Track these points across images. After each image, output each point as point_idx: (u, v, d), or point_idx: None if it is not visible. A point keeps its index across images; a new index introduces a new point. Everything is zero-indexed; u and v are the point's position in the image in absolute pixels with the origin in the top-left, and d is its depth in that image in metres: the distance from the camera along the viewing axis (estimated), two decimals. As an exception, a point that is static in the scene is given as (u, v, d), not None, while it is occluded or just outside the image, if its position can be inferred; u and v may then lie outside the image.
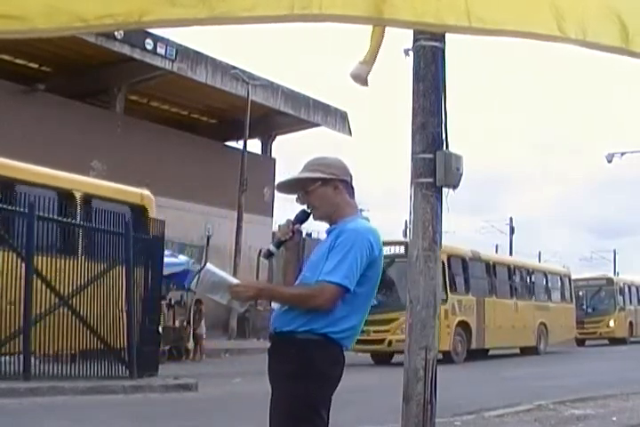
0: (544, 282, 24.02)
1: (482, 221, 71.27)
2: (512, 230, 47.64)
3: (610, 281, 30.74)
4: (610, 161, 26.96)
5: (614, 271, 51.63)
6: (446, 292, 17.41)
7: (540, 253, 51.76)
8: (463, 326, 18.64)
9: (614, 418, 7.87)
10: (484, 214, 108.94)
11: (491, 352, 20.99)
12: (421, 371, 2.98)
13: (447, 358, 17.37)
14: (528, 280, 23.11)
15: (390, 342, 17.19)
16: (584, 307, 28.78)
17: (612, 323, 29.22)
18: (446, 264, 17.69)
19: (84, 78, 24.51)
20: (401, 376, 3.07)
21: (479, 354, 19.89)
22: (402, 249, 15.64)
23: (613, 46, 2.35)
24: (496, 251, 43.68)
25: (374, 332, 16.26)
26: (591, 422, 7.65)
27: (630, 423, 7.60)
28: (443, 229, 3.08)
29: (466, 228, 68.29)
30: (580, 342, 28.41)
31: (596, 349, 27.02)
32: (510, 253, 43.19)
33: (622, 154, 26.96)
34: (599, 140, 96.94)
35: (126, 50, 22.81)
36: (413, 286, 3.05)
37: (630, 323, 30.31)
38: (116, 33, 20.72)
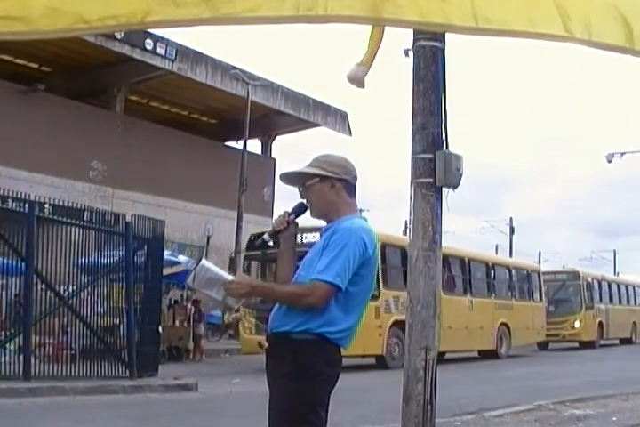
0: (507, 278, 21.50)
1: (482, 221, 71.43)
2: (512, 230, 47.65)
3: (575, 275, 26.81)
4: (610, 161, 26.83)
5: (614, 271, 51.67)
6: (378, 286, 14.74)
7: (540, 253, 51.89)
8: (400, 326, 15.09)
9: (614, 418, 7.87)
10: (484, 214, 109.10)
11: (448, 355, 18.04)
12: (421, 371, 2.99)
13: (381, 363, 15.83)
14: (486, 275, 20.34)
15: None
16: (546, 305, 24.79)
17: (577, 324, 25.53)
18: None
19: (84, 78, 24.50)
20: (401, 376, 3.08)
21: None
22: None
23: (618, 46, 2.36)
24: (496, 251, 43.69)
25: None
26: (591, 423, 7.65)
27: (630, 423, 7.60)
28: (443, 229, 3.09)
29: (466, 228, 68.36)
30: (543, 346, 25.07)
31: (559, 353, 24.27)
32: (510, 254, 43.18)
33: (622, 154, 26.81)
34: (599, 140, 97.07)
35: (126, 50, 22.80)
36: (413, 286, 3.06)
37: (600, 324, 26.66)
38: (116, 33, 20.71)
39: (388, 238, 15.64)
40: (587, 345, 25.64)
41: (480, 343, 19.30)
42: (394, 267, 16.31)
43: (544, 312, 23.19)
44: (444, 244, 3.12)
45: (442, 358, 17.97)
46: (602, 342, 26.92)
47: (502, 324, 20.05)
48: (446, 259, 18.10)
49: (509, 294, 21.36)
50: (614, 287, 29.24)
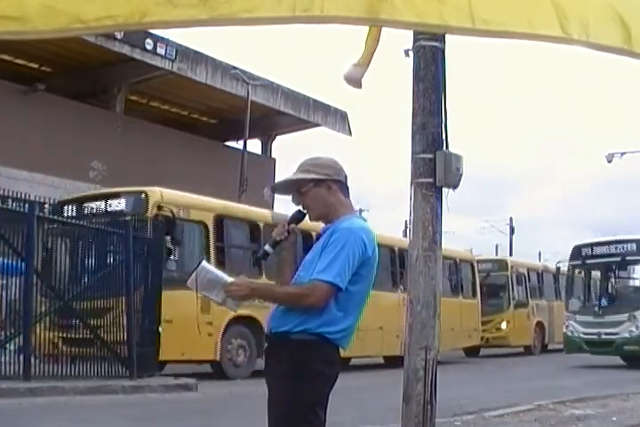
0: None
1: (482, 221, 71.29)
2: (512, 230, 47.65)
3: (501, 265, 21.99)
4: (610, 161, 26.78)
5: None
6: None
7: (540, 253, 51.83)
8: None
9: (614, 418, 7.88)
10: (484, 214, 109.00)
11: (352, 361, 15.27)
12: (421, 371, 2.99)
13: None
14: (391, 263, 16.23)
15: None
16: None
17: (504, 325, 21.10)
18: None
19: (84, 78, 24.49)
20: (400, 376, 3.08)
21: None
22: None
23: (615, 47, 2.37)
24: (496, 251, 43.67)
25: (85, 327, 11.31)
26: (591, 423, 7.65)
27: (630, 423, 7.61)
28: (443, 229, 3.09)
29: (466, 228, 68.32)
30: (474, 351, 20.67)
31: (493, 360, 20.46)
32: (510, 254, 43.16)
33: (622, 154, 26.78)
34: (599, 140, 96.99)
35: (126, 50, 22.78)
36: (413, 286, 3.06)
37: (540, 325, 22.07)
38: (116, 33, 20.70)
39: (248, 213, 14.57)
40: (528, 351, 21.60)
41: (380, 348, 15.62)
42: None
43: (479, 311, 19.32)
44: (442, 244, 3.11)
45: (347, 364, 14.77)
46: (552, 347, 22.31)
47: None
48: None
49: None
50: (563, 280, 22.58)
